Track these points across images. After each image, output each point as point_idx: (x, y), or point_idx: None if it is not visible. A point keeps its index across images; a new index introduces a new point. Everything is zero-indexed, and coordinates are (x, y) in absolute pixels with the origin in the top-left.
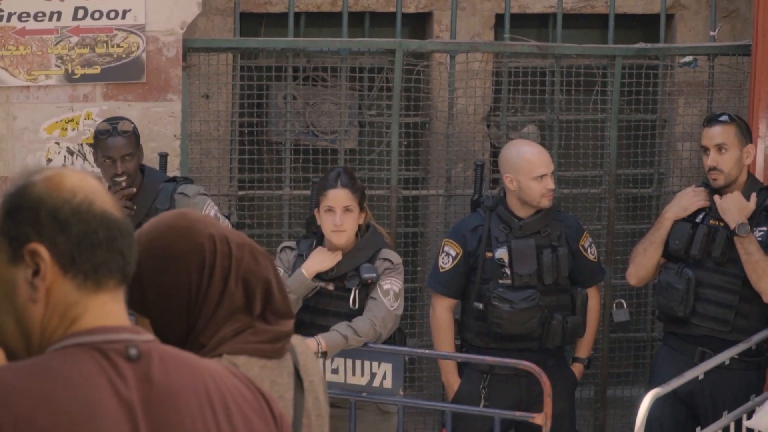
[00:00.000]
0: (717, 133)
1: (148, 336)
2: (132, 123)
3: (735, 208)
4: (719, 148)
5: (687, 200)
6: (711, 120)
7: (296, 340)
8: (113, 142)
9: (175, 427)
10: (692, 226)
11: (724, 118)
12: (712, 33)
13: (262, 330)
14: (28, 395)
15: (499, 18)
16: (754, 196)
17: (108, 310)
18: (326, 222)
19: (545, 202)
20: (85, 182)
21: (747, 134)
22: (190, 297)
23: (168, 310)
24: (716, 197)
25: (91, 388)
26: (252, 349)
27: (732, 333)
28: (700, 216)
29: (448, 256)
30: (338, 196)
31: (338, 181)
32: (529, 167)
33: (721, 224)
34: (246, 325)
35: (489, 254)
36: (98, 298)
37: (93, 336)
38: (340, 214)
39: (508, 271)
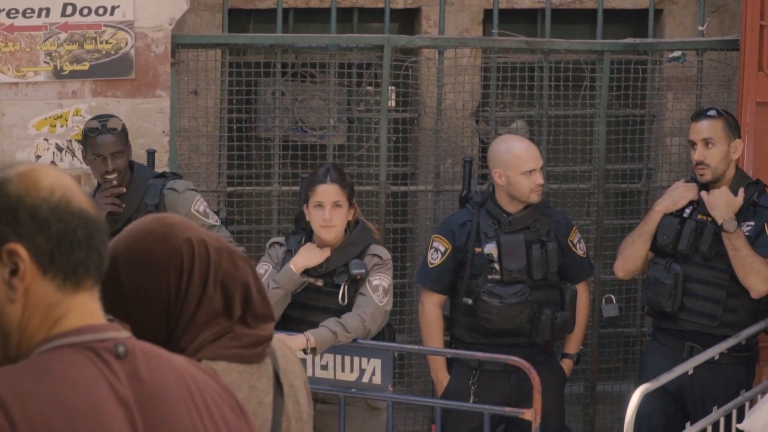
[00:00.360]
0: (704, 128)
1: (127, 333)
2: (121, 120)
3: (722, 204)
4: (706, 142)
5: (677, 194)
6: (698, 115)
7: (278, 343)
8: (103, 140)
9: (167, 424)
10: (680, 221)
11: (711, 112)
12: (700, 28)
13: (242, 334)
14: (42, 399)
15: (488, 13)
16: (741, 191)
17: (89, 309)
18: (315, 217)
19: (534, 197)
20: (61, 180)
21: (735, 129)
22: (169, 301)
23: (148, 314)
24: (703, 193)
25: (94, 389)
26: (231, 354)
27: (720, 328)
28: (688, 211)
29: (437, 252)
30: (327, 192)
31: (327, 176)
32: (518, 162)
33: (709, 219)
34: (225, 329)
35: (478, 249)
36: (78, 298)
37: (83, 336)
38: (329, 210)
39: (497, 266)
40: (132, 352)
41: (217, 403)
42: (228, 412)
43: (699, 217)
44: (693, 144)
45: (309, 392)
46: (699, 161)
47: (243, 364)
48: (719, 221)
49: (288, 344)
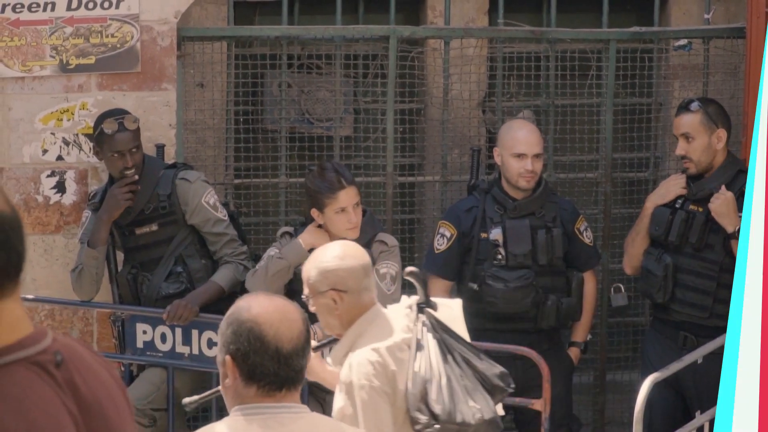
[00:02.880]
0: (682, 123)
1: (50, 333)
2: (134, 116)
3: (731, 212)
4: (686, 137)
5: (666, 188)
6: (680, 108)
7: None
8: (121, 138)
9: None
10: (671, 212)
11: (692, 106)
12: (706, 16)
13: None
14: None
15: (493, 3)
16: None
17: (17, 316)
18: (340, 222)
19: (522, 183)
20: None
21: (719, 119)
22: None
23: None
24: (712, 204)
25: (53, 407)
26: None
27: (711, 319)
28: (680, 201)
29: (443, 238)
30: (349, 195)
31: (342, 180)
32: (511, 143)
33: (699, 209)
34: None
35: (484, 235)
36: (6, 306)
37: (26, 350)
38: (353, 212)
39: (502, 251)
40: (66, 359)
41: (116, 393)
42: (120, 396)
43: (690, 207)
44: (677, 138)
45: None
46: (681, 155)
47: None
48: (729, 230)
49: None
